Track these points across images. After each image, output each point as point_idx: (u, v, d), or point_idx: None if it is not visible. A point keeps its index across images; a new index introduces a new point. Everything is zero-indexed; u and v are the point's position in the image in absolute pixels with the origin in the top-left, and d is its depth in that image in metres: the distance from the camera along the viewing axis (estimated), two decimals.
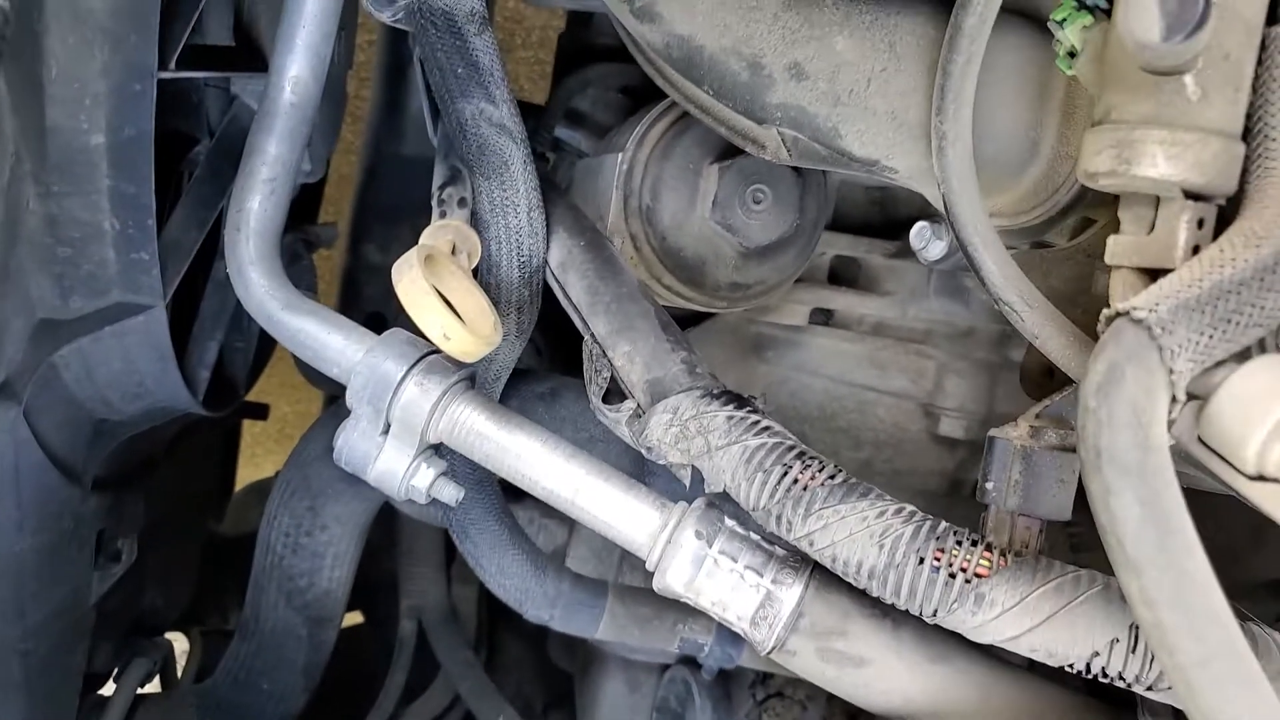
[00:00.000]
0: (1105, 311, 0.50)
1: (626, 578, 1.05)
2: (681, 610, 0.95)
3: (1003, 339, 0.99)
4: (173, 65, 0.85)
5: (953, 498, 1.06)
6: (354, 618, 1.69)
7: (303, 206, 1.44)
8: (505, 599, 0.93)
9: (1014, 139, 0.70)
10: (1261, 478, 0.47)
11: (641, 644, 0.95)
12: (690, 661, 1.00)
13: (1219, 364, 0.50)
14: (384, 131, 1.55)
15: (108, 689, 1.25)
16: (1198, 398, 0.50)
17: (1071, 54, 0.62)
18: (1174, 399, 0.48)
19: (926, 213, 0.76)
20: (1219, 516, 0.66)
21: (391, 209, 1.53)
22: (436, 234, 0.78)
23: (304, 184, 1.15)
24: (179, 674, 1.39)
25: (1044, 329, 0.63)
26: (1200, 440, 0.50)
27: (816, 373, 1.06)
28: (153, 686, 1.32)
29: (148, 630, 1.34)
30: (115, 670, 1.27)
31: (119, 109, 0.80)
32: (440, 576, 1.38)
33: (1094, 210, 0.72)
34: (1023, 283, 0.64)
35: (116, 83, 0.79)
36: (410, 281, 0.65)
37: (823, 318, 1.05)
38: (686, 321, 1.07)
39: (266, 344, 1.26)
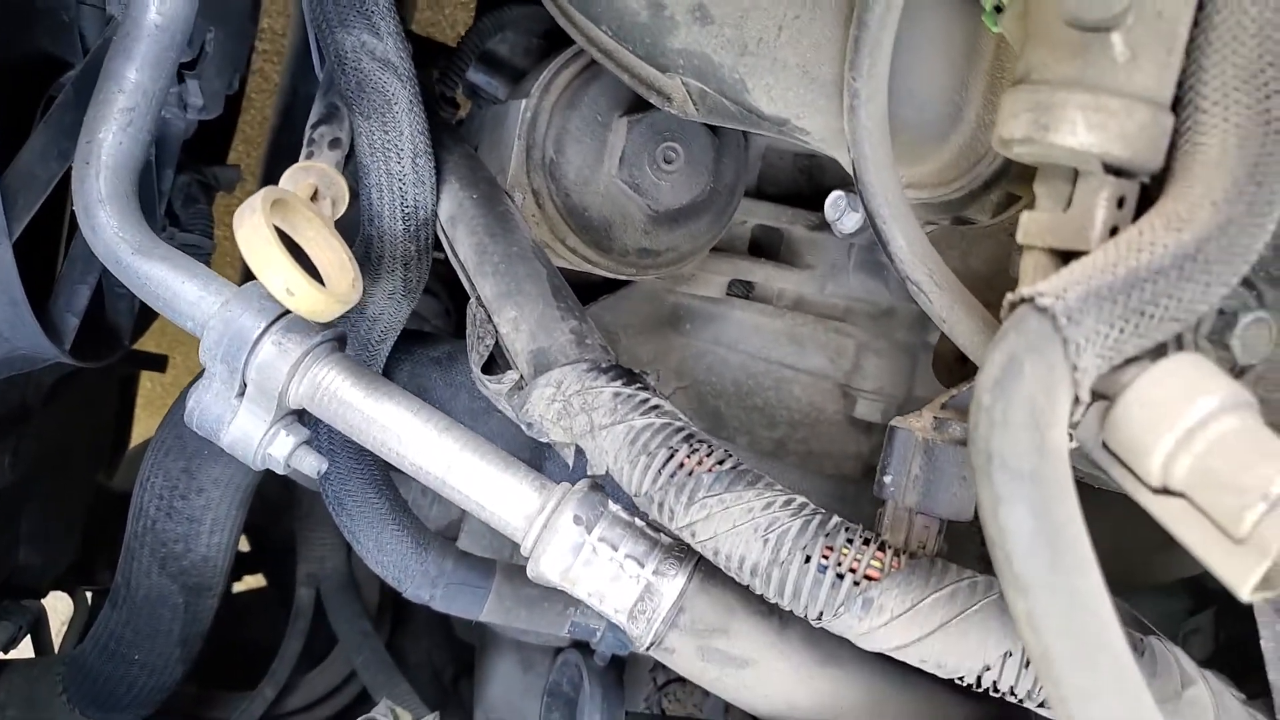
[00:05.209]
0: (1009, 296, 0.44)
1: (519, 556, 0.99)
2: None
3: (924, 320, 0.94)
4: None
5: (866, 482, 1.01)
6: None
7: (208, 145, 1.33)
8: (383, 576, 0.86)
9: (935, 102, 0.64)
10: (1165, 490, 0.42)
11: (530, 627, 0.89)
12: (584, 645, 0.95)
13: (1130, 361, 0.44)
14: (300, 71, 1.44)
15: None
16: (1105, 397, 0.45)
17: (998, 8, 0.56)
18: (1077, 399, 0.43)
19: (851, 182, 0.70)
20: (1130, 512, 0.61)
21: None
22: (296, 176, 0.70)
23: (207, 121, 1.06)
24: (57, 637, 1.31)
25: (952, 312, 0.58)
26: (1105, 445, 0.45)
27: (734, 347, 1.01)
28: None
29: (21, 591, 1.26)
30: None
31: None
32: (340, 542, 1.31)
33: (1019, 186, 0.67)
34: (933, 260, 0.58)
35: None
36: (251, 228, 0.57)
37: (743, 290, 0.99)
38: (600, 288, 1.00)
39: None
